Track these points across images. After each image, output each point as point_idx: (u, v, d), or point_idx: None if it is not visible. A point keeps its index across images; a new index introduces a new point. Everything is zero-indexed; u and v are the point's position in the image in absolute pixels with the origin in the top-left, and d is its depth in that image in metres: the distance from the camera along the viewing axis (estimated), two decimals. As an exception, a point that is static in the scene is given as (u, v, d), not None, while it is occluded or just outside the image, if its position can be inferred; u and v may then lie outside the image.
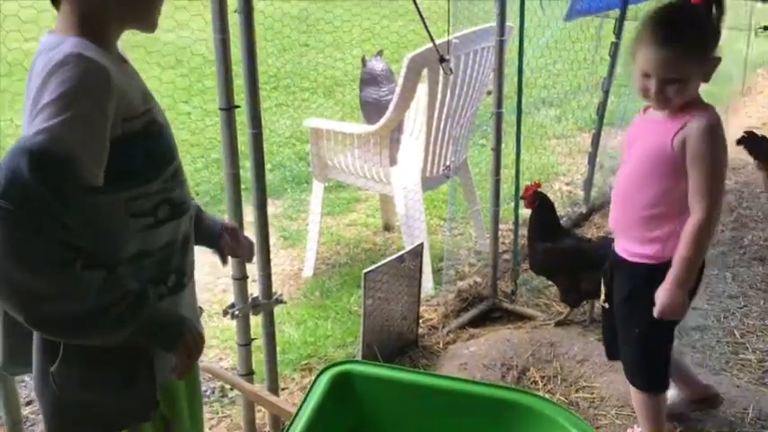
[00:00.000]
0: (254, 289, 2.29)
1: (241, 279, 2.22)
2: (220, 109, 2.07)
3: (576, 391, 2.71)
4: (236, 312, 2.23)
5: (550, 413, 1.54)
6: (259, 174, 2.16)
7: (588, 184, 4.35)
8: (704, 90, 2.01)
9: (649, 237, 2.03)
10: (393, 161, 3.45)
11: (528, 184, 3.07)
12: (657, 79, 1.89)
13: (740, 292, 3.37)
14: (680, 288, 1.96)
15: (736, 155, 4.88)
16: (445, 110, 3.35)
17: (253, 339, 2.34)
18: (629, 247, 2.10)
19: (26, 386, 2.63)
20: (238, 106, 2.07)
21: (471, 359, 2.82)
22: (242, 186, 2.14)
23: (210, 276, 3.48)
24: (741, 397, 2.64)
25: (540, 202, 3.02)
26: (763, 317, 3.18)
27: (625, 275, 2.13)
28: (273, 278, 2.35)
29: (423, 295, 3.16)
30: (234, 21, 2.02)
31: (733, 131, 5.62)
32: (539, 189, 3.05)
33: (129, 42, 1.43)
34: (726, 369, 2.84)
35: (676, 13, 1.92)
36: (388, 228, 4.12)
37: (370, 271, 2.73)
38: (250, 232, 2.27)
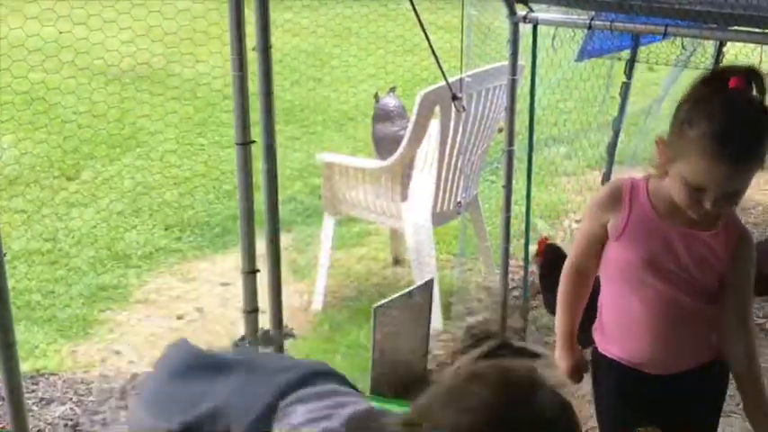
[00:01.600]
0: (264, 322, 2.30)
1: (252, 312, 2.23)
2: (236, 144, 2.11)
3: (587, 431, 2.69)
4: (247, 345, 2.23)
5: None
6: (272, 207, 2.19)
7: (598, 221, 4.35)
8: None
9: (712, 342, 1.84)
10: (404, 196, 3.48)
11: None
12: (718, 194, 1.57)
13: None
14: None
15: (747, 195, 4.90)
16: (457, 146, 3.38)
17: (262, 373, 2.34)
18: (690, 361, 1.84)
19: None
20: (254, 141, 2.11)
21: (480, 396, 2.80)
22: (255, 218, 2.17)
23: (221, 308, 3.49)
24: (753, 440, 2.62)
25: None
26: (774, 359, 3.16)
27: (698, 380, 1.85)
28: (283, 311, 2.36)
29: (432, 331, 3.15)
30: (251, 58, 2.06)
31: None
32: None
33: (137, 72, 1.44)
34: (736, 411, 2.81)
35: (745, 125, 1.57)
36: (397, 262, 4.13)
37: (380, 305, 2.74)
38: (261, 265, 2.30)
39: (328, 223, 3.66)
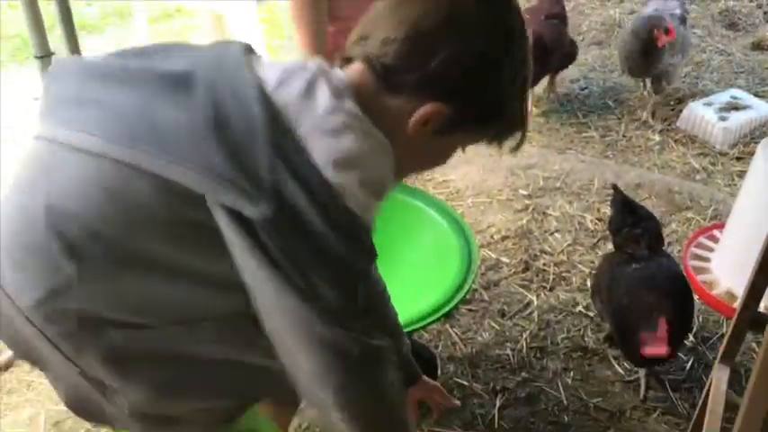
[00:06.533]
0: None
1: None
2: None
3: (434, 186, 2.73)
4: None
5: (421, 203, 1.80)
6: None
7: None
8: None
9: None
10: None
11: None
12: None
13: (581, 75, 3.45)
14: None
15: None
16: None
17: None
18: None
19: None
20: None
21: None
22: None
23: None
24: (586, 170, 2.76)
25: None
26: (602, 96, 3.28)
27: None
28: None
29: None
30: None
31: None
32: None
33: None
34: (571, 147, 2.94)
35: None
36: (226, 54, 3.86)
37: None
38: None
39: (140, 18, 3.31)
